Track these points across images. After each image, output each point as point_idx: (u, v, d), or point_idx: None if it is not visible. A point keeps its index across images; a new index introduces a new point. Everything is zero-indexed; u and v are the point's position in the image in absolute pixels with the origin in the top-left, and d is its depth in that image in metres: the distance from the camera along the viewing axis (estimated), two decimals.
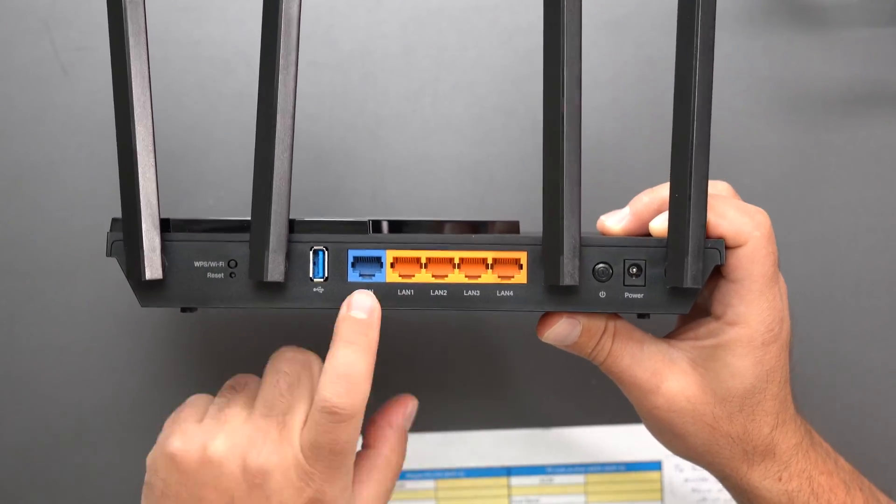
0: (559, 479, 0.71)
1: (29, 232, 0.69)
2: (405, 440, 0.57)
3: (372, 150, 0.70)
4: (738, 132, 0.70)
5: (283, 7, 0.49)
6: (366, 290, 0.51)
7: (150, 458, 0.55)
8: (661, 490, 0.71)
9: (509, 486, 0.71)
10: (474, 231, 0.56)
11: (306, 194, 0.69)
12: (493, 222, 0.60)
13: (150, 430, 0.70)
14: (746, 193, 0.70)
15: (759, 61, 0.70)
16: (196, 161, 0.69)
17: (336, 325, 0.51)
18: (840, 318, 0.71)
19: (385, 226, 0.53)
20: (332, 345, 0.51)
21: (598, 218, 0.55)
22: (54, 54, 0.69)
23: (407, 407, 0.58)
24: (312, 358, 0.55)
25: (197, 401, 0.57)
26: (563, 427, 0.71)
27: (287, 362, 0.55)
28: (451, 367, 0.71)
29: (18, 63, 0.69)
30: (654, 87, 0.70)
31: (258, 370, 0.70)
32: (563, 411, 0.71)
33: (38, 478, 0.70)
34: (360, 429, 0.52)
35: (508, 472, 0.71)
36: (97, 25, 0.69)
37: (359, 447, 0.57)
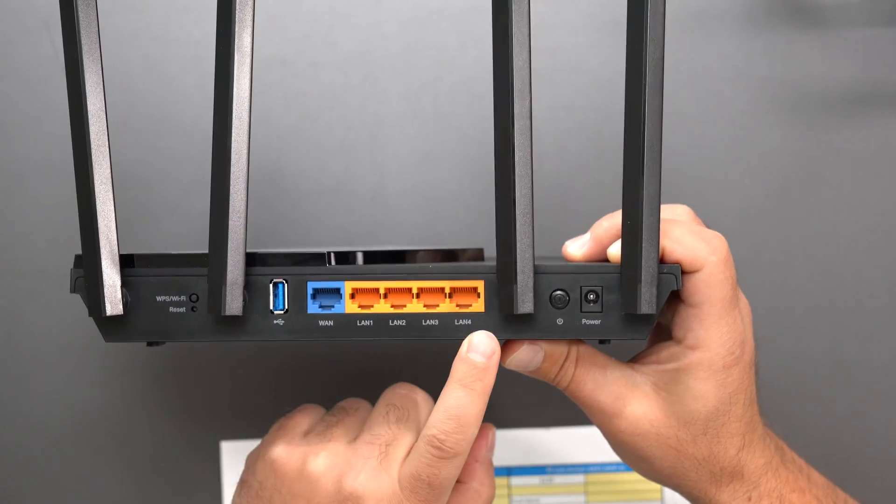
0: (559, 479, 0.71)
1: (29, 232, 0.69)
2: (492, 471, 0.58)
3: (372, 150, 0.70)
4: (738, 132, 0.70)
5: (236, 42, 0.49)
6: (486, 332, 0.51)
7: (251, 458, 0.56)
8: (661, 490, 0.71)
9: (509, 486, 0.71)
10: (439, 259, 0.56)
11: (306, 195, 0.69)
12: (458, 250, 0.60)
13: (150, 429, 0.70)
14: (747, 194, 0.70)
15: (759, 61, 0.70)
16: (196, 161, 0.69)
17: (454, 363, 0.51)
18: (840, 318, 0.71)
19: (344, 257, 0.53)
20: (447, 382, 0.51)
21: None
22: (54, 54, 0.69)
23: (488, 438, 0.58)
24: (424, 397, 0.56)
25: (307, 410, 0.58)
26: (563, 427, 0.71)
27: (399, 398, 0.56)
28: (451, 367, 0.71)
29: (18, 63, 0.69)
30: None
31: (258, 370, 0.70)
32: (563, 412, 0.71)
33: (38, 478, 0.70)
34: (461, 469, 0.52)
35: (508, 472, 0.71)
36: None
37: None
